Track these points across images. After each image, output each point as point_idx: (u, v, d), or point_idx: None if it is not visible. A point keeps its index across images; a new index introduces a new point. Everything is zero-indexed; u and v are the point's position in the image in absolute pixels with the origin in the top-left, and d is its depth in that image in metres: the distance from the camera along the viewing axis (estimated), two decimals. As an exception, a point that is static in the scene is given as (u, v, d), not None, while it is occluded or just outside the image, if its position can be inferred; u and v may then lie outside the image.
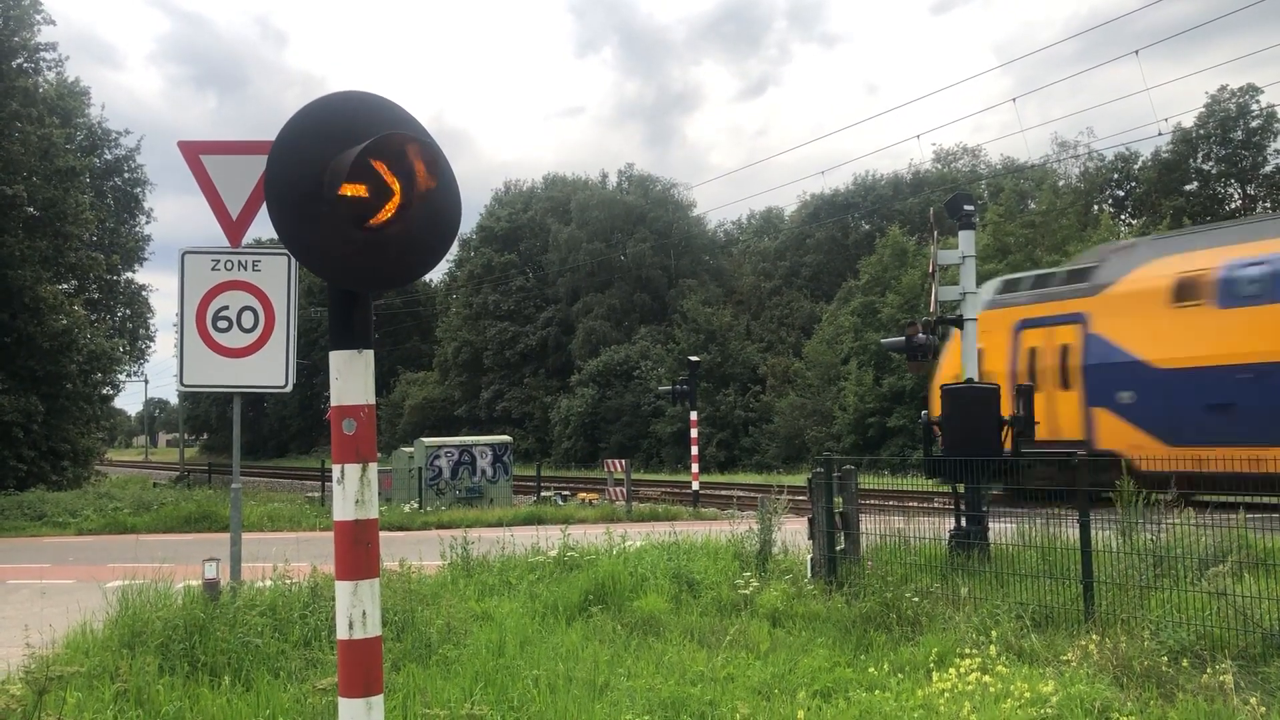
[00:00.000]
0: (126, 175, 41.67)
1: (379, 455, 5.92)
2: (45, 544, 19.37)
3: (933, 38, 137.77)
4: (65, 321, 29.85)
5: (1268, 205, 45.31)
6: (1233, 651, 6.82)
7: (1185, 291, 18.92)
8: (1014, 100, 76.96)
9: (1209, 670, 6.37)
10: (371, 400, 3.30)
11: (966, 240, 12.37)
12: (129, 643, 7.41)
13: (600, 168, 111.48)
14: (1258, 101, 43.99)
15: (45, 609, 9.88)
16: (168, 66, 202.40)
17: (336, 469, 3.26)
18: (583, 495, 27.60)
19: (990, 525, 10.63)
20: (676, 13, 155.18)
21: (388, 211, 3.04)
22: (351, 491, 3.24)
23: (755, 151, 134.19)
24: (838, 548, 10.10)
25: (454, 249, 65.35)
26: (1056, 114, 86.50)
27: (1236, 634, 7.05)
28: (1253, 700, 5.89)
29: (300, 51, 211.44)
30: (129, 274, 40.89)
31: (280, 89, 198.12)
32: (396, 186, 3.01)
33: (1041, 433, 15.46)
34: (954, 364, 16.37)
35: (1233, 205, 46.23)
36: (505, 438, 28.79)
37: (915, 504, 12.44)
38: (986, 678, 6.53)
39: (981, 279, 15.16)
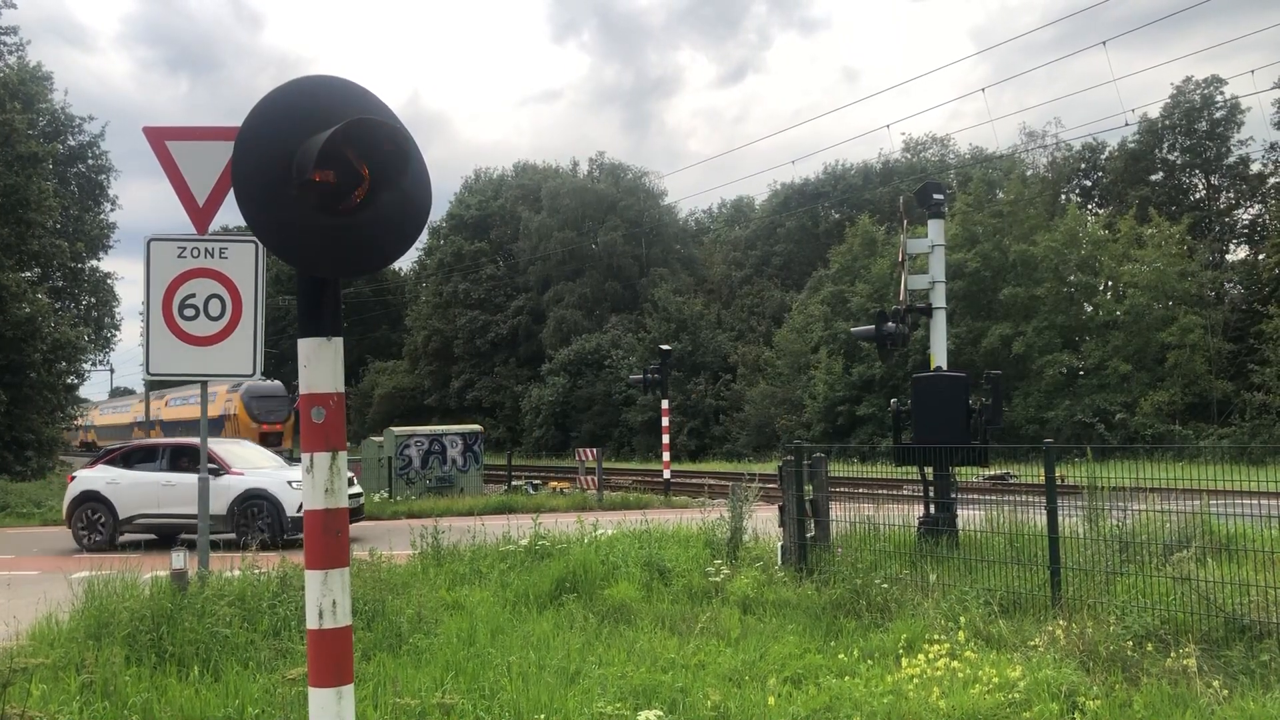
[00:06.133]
0: (91, 161, 41.02)
1: (348, 444, 5.89)
2: (9, 535, 19.13)
3: (912, 23, 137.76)
4: (29, 310, 29.40)
5: (1230, 195, 45.79)
6: (1196, 636, 6.92)
7: None
8: (983, 90, 77.20)
9: (1173, 654, 6.46)
10: (341, 388, 3.28)
11: (936, 229, 12.47)
12: (95, 634, 7.35)
13: (577, 154, 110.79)
14: (1222, 93, 44.44)
15: (10, 600, 9.77)
16: (138, 49, 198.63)
17: (305, 458, 3.23)
18: (554, 484, 27.54)
19: (958, 512, 10.73)
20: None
21: (357, 197, 3.00)
22: (321, 480, 3.21)
23: (733, 138, 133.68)
24: (808, 535, 10.15)
25: (423, 237, 64.97)
26: (1033, 102, 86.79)
27: (1200, 618, 7.16)
28: (1215, 683, 5.99)
29: (275, 34, 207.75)
30: (94, 262, 40.26)
31: (255, 72, 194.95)
32: (365, 172, 2.98)
33: None
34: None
35: (1197, 195, 46.70)
36: (476, 427, 28.68)
37: (885, 491, 12.54)
38: (955, 663, 6.59)
39: (951, 268, 15.39)
